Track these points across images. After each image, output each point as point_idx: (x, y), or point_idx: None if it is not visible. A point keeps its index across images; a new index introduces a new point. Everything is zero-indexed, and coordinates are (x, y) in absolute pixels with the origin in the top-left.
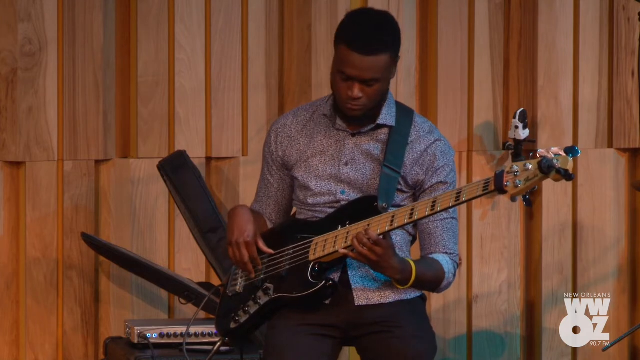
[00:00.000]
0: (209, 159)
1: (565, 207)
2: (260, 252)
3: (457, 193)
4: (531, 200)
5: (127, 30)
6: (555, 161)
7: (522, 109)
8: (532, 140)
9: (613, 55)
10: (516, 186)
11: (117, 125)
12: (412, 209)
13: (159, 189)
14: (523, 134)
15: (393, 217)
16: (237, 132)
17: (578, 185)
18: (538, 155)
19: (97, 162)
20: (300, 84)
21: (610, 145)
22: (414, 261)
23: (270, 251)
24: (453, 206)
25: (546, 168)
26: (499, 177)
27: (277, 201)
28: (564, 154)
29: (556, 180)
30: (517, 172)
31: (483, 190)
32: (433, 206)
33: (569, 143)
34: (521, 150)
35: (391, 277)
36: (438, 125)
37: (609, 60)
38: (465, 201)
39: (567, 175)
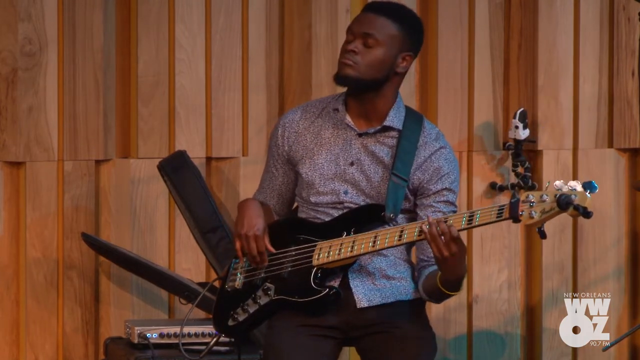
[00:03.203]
0: (209, 159)
1: None
2: None
3: (470, 216)
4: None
5: (127, 30)
6: (573, 197)
7: (522, 109)
8: (532, 140)
9: (613, 55)
10: (531, 217)
11: (117, 125)
12: (422, 227)
13: (159, 189)
14: (523, 134)
15: (402, 231)
16: (237, 132)
17: None
18: (555, 188)
19: (97, 162)
20: (300, 84)
21: (610, 145)
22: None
23: (273, 250)
24: (464, 229)
25: (564, 204)
26: (514, 205)
27: (281, 194)
28: (581, 190)
29: (573, 216)
30: (533, 202)
31: (497, 217)
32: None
33: (569, 143)
34: (521, 150)
35: (446, 280)
36: (438, 125)
37: (609, 60)
38: (477, 225)
39: (585, 213)
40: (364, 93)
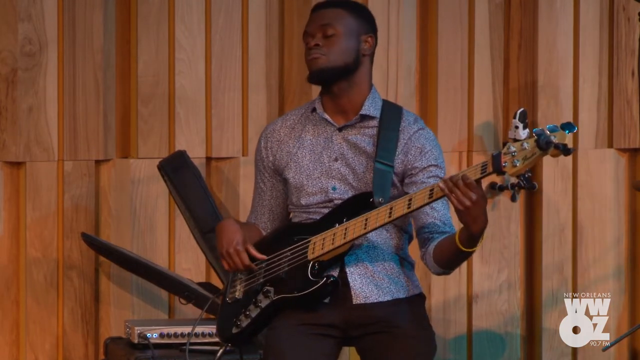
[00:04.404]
0: (209, 159)
1: (565, 207)
2: (253, 259)
3: None
4: (534, 182)
5: (127, 30)
6: (552, 137)
7: (522, 109)
8: None
9: (613, 55)
10: (514, 165)
11: (117, 125)
12: (410, 199)
13: (159, 189)
14: (523, 134)
15: (391, 208)
16: (237, 132)
17: (578, 186)
18: (534, 134)
19: (97, 162)
20: (300, 84)
21: (610, 145)
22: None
23: (263, 257)
24: None
25: (544, 144)
26: (496, 158)
27: (271, 209)
28: (560, 130)
29: (555, 155)
30: (515, 152)
31: (481, 173)
32: (431, 194)
33: (570, 143)
34: None
35: (469, 235)
36: (438, 125)
37: (609, 60)
38: None
39: (565, 150)
40: (338, 84)
